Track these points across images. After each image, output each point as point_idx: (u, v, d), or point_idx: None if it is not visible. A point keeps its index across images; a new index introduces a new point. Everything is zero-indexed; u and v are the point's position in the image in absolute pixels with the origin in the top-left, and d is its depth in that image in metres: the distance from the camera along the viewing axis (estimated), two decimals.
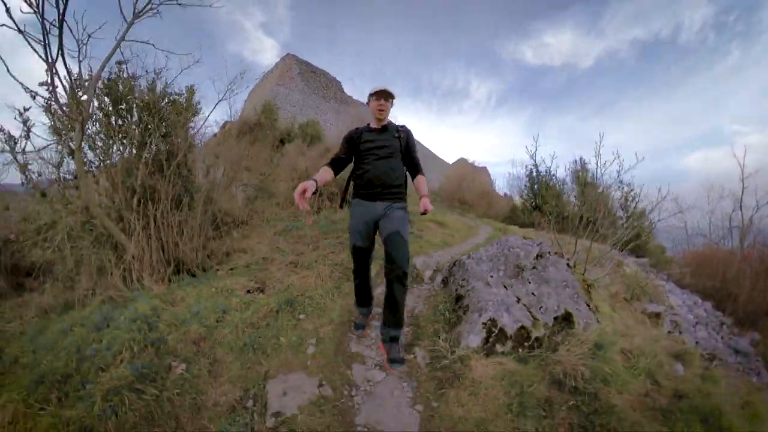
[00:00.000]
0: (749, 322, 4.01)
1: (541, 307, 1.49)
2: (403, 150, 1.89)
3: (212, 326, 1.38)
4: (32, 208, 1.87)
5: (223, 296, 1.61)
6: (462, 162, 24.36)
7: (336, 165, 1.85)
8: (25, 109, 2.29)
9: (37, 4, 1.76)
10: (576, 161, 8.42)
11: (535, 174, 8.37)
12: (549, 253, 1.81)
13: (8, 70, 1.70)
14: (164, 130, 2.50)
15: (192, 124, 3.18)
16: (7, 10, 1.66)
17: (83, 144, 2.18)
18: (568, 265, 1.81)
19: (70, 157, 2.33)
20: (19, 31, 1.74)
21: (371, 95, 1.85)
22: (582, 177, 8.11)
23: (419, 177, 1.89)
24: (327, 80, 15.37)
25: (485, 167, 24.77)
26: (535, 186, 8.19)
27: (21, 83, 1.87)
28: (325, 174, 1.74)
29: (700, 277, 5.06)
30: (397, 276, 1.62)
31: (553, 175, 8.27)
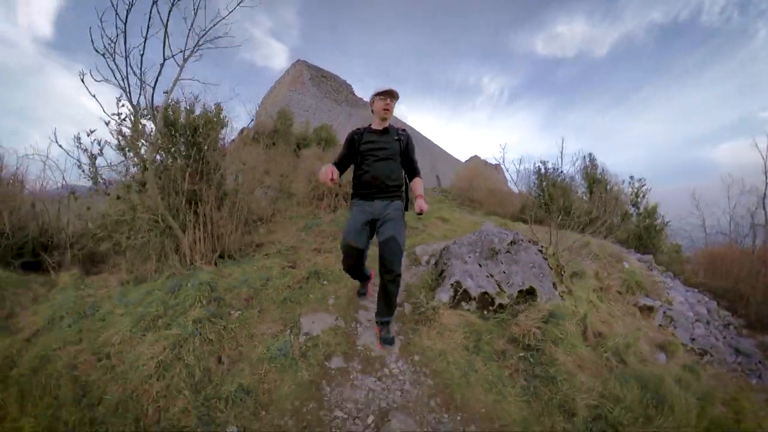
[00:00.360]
0: (762, 325, 3.85)
1: (508, 282, 1.91)
2: (403, 153, 1.99)
3: (258, 288, 1.93)
4: (114, 208, 2.45)
5: (264, 270, 2.14)
6: (475, 160, 24.54)
7: (340, 166, 1.97)
8: (92, 131, 2.94)
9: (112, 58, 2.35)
10: (585, 157, 8.59)
11: (543, 171, 8.61)
12: (522, 240, 2.22)
13: (103, 110, 2.30)
14: (203, 145, 3.08)
15: (222, 136, 3.78)
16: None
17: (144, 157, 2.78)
18: (540, 251, 2.22)
19: (135, 168, 2.95)
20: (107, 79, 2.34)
21: (377, 95, 1.91)
22: (591, 174, 8.27)
23: (416, 179, 2.02)
24: (337, 84, 16.02)
25: (499, 164, 24.82)
26: (543, 183, 8.43)
27: (107, 113, 2.47)
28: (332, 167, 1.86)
29: (713, 277, 4.94)
30: (393, 279, 1.77)
31: (561, 171, 8.49)
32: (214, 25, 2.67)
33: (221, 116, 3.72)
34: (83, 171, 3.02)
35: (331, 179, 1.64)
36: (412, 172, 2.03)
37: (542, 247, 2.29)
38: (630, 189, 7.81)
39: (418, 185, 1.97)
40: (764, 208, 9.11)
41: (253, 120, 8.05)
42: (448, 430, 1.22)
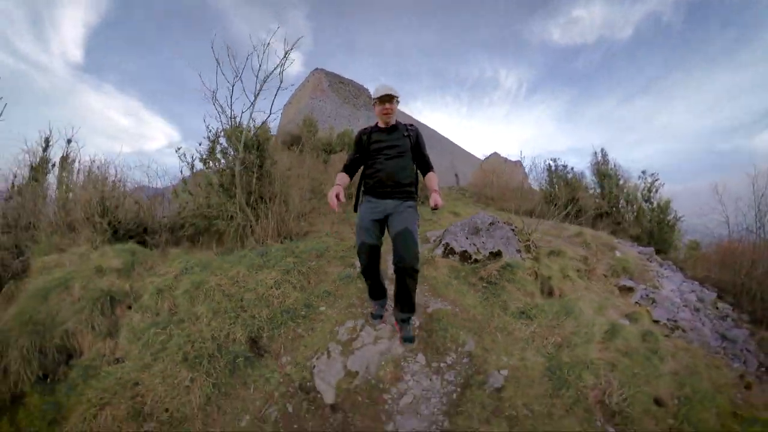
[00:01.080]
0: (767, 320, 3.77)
1: (484, 247, 2.87)
2: (413, 148, 2.03)
3: (322, 251, 3.00)
4: (210, 201, 3.61)
5: (322, 242, 3.22)
6: (494, 157, 24.98)
7: (350, 169, 2.09)
8: (179, 149, 4.20)
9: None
10: (596, 153, 9.15)
11: (553, 168, 9.29)
12: (499, 222, 3.17)
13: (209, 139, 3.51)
14: (265, 157, 4.24)
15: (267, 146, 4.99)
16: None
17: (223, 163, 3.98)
18: (512, 230, 3.15)
19: (215, 174, 4.16)
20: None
21: (374, 101, 2.00)
22: (602, 170, 8.83)
23: (430, 174, 2.06)
24: (355, 89, 17.25)
25: (519, 161, 25.18)
26: (553, 180, 9.11)
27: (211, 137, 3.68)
28: (344, 179, 2.04)
29: (722, 272, 5.00)
30: (408, 273, 1.82)
31: (572, 168, 9.10)
32: (270, 75, 3.85)
33: (267, 130, 4.94)
34: (182, 173, 4.28)
35: (338, 200, 1.81)
36: (425, 166, 2.09)
37: (514, 228, 3.21)
38: (642, 184, 8.27)
39: (432, 180, 2.03)
40: None
41: (269, 117, 9.36)
42: (429, 302, 2.26)
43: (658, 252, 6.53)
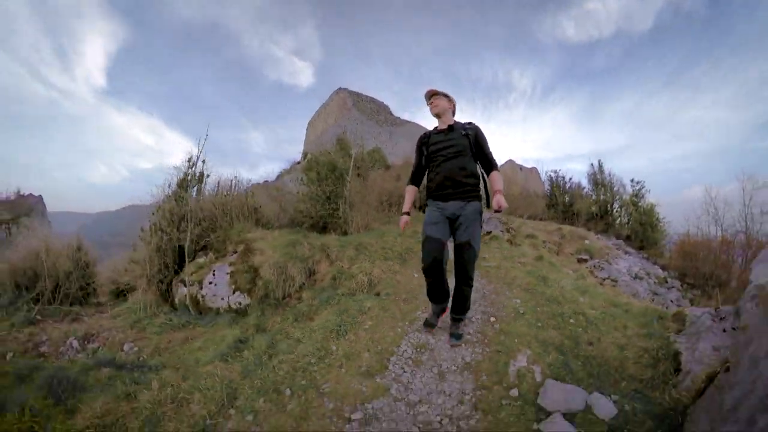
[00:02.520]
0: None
1: (484, 229, 5.33)
2: (474, 147, 2.12)
3: (396, 234, 5.44)
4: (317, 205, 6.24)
5: (388, 229, 5.74)
6: (509, 164, 27.37)
7: (416, 178, 2.29)
8: (302, 178, 6.84)
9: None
10: (592, 164, 11.44)
11: (554, 178, 11.64)
12: (494, 217, 5.63)
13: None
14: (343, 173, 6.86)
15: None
16: None
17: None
18: (500, 221, 5.60)
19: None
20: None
21: (426, 101, 2.22)
22: (597, 179, 11.10)
23: (493, 173, 2.11)
24: (377, 106, 20.01)
25: (534, 168, 27.54)
26: (553, 189, 11.46)
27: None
28: (411, 194, 2.32)
29: (683, 260, 6.81)
30: (466, 283, 2.04)
31: (570, 178, 11.42)
32: None
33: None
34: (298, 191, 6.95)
35: (408, 224, 2.20)
36: (488, 165, 2.15)
37: (501, 220, 5.65)
38: (631, 191, 10.50)
39: (496, 179, 2.07)
40: None
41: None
42: None
43: (642, 248, 8.58)
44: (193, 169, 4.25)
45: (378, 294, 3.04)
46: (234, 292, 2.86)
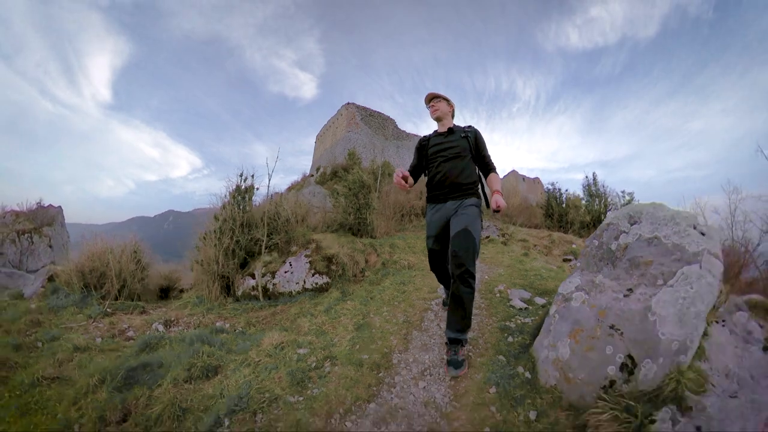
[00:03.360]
0: None
1: (483, 233, 6.72)
2: (473, 149, 2.22)
3: (418, 236, 6.83)
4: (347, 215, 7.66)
5: (409, 234, 7.12)
6: (512, 175, 28.92)
7: (414, 175, 2.38)
8: (337, 195, 8.30)
9: None
10: (587, 177, 12.86)
11: (550, 190, 13.06)
12: (491, 225, 7.00)
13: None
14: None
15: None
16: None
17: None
18: (496, 227, 6.97)
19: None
20: None
21: (426, 105, 2.38)
22: (591, 190, 12.51)
23: (491, 175, 2.22)
24: (383, 120, 21.53)
25: (537, 178, 29.16)
26: (550, 200, 12.87)
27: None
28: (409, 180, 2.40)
29: None
30: (462, 275, 1.82)
31: (566, 190, 12.83)
32: None
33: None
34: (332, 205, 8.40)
35: (404, 180, 2.06)
36: (486, 167, 2.26)
37: (497, 227, 7.02)
38: (622, 201, 11.91)
39: (494, 180, 2.18)
40: None
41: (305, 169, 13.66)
42: None
43: None
44: (246, 182, 5.66)
45: (416, 270, 4.48)
46: (313, 275, 4.16)
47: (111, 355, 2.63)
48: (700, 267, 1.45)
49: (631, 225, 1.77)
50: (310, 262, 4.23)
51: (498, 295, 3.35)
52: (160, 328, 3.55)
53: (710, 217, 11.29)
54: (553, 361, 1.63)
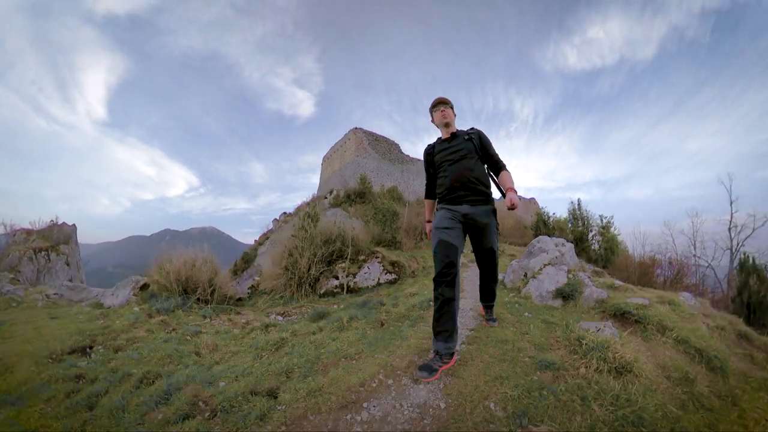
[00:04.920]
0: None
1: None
2: (479, 149, 2.37)
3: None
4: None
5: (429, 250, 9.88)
6: None
7: (431, 191, 2.65)
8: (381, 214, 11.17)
9: None
10: (572, 201, 15.85)
11: (540, 213, 16.04)
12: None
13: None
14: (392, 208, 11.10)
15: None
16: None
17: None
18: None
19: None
20: None
21: (431, 111, 2.55)
22: (576, 214, 15.49)
23: (503, 173, 2.34)
24: (388, 144, 24.47)
25: (533, 198, 32.26)
26: (538, 221, 15.84)
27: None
28: (430, 206, 2.81)
29: (620, 271, 11.87)
30: (495, 282, 2.68)
31: (554, 213, 15.81)
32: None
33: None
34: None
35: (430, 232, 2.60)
36: (495, 165, 2.41)
37: None
38: (601, 223, 14.88)
39: (506, 178, 2.30)
40: (730, 232, 15.44)
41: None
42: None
43: (605, 267, 12.78)
44: (314, 209, 8.47)
45: None
46: (385, 274, 6.72)
47: (263, 335, 4.37)
48: (543, 251, 4.30)
49: (537, 243, 4.64)
50: (382, 265, 6.98)
51: (502, 280, 5.93)
52: (279, 318, 4.95)
53: (677, 237, 14.43)
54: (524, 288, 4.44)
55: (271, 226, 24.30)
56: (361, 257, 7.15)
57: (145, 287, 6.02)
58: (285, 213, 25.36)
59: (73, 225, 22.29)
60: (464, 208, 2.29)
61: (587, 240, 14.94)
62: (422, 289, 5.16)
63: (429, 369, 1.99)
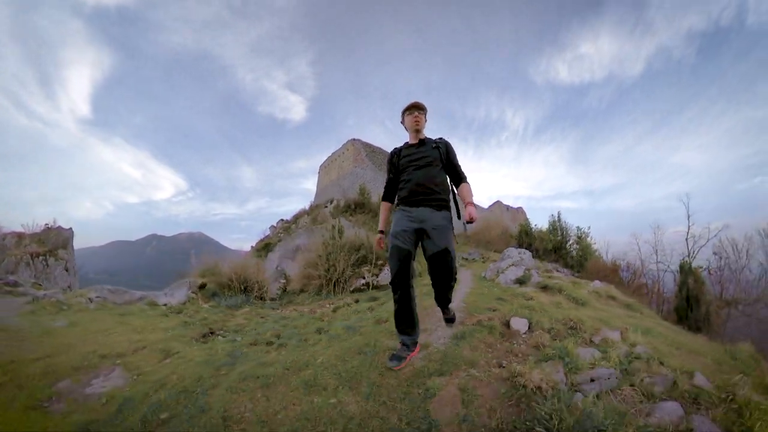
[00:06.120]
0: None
1: (471, 255, 12.02)
2: (444, 159, 2.54)
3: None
4: None
5: None
6: (497, 205, 34.90)
7: (390, 193, 2.74)
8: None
9: None
10: (553, 214, 18.53)
11: (524, 223, 18.69)
12: (474, 252, 12.34)
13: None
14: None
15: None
16: None
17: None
18: (479, 253, 12.30)
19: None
20: None
21: (404, 112, 2.63)
22: (555, 225, 18.17)
23: (463, 185, 2.53)
24: (384, 156, 26.69)
25: (521, 207, 35.11)
26: (521, 231, 18.49)
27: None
28: (386, 212, 2.84)
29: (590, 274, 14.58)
30: (449, 286, 2.58)
31: (535, 225, 18.47)
32: None
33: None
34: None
35: (381, 244, 2.72)
36: (457, 177, 2.58)
37: (480, 252, 12.32)
38: (577, 233, 17.58)
39: (466, 191, 2.48)
40: (687, 243, 18.47)
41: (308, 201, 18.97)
42: None
43: (579, 271, 15.44)
44: (339, 224, 10.83)
45: None
46: None
47: (347, 309, 7.47)
48: (510, 257, 6.81)
49: (506, 252, 7.14)
50: None
51: (483, 275, 8.36)
52: (330, 308, 7.35)
53: (642, 246, 17.36)
54: (497, 278, 6.89)
55: (268, 233, 26.15)
56: (380, 262, 9.52)
57: (202, 287, 7.07)
58: (282, 220, 27.26)
59: (70, 229, 22.66)
60: (422, 211, 2.43)
61: (565, 248, 17.68)
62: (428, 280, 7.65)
63: (398, 358, 2.36)
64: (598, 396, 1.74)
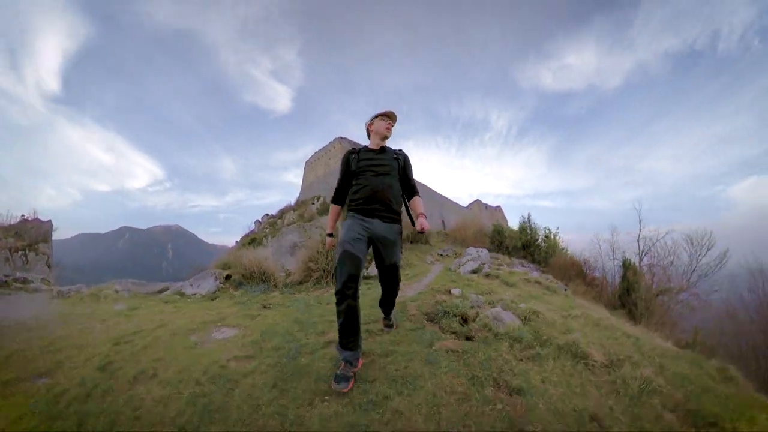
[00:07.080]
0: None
1: (445, 252, 14.26)
2: (401, 172, 2.68)
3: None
4: None
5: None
6: (476, 204, 37.23)
7: (340, 196, 2.80)
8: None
9: None
10: (523, 216, 21.01)
11: (496, 223, 21.10)
12: (448, 249, 14.57)
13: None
14: None
15: None
16: None
17: None
18: (453, 250, 14.53)
19: None
20: None
21: (379, 116, 2.75)
22: (524, 225, 20.66)
23: (415, 198, 2.73)
24: None
25: (499, 207, 37.56)
26: (494, 230, 20.92)
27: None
28: (335, 214, 2.91)
29: (556, 269, 17.27)
30: (395, 293, 2.96)
31: (512, 224, 20.88)
32: None
33: None
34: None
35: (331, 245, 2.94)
36: (411, 190, 2.77)
37: (454, 249, 14.56)
38: (544, 233, 20.12)
39: (418, 203, 2.68)
40: (639, 243, 21.38)
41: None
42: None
43: (545, 265, 17.99)
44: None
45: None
46: None
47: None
48: (469, 254, 9.05)
49: (467, 250, 9.35)
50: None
51: (449, 267, 10.48)
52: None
53: (602, 245, 20.10)
54: (458, 270, 9.06)
55: (253, 227, 27.60)
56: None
57: (228, 277, 7.42)
58: (267, 215, 28.75)
59: (49, 221, 21.07)
60: (375, 223, 2.52)
61: (534, 245, 20.13)
62: (414, 271, 9.77)
63: (345, 379, 2.25)
64: (471, 307, 3.93)
